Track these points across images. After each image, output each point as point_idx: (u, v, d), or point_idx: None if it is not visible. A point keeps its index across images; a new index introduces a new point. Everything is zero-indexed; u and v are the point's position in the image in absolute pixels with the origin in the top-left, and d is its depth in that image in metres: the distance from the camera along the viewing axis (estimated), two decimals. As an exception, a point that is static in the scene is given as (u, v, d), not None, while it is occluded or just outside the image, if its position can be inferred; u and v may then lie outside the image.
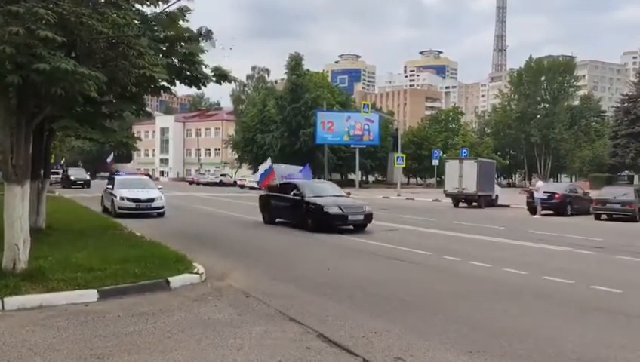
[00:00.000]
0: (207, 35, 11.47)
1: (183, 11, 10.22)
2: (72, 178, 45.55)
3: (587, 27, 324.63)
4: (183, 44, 10.68)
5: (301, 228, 15.81)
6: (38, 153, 12.10)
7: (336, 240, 13.82)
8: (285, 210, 17.38)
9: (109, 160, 56.48)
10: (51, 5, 6.59)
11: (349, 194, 20.12)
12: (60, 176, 45.73)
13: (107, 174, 41.60)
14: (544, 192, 24.71)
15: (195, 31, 11.36)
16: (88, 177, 48.22)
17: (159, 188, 21.68)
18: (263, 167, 20.26)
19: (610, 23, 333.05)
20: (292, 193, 16.90)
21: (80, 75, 6.71)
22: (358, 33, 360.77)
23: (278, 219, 17.74)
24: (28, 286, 6.83)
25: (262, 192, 19.66)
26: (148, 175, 45.45)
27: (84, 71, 6.72)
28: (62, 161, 52.83)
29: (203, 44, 11.53)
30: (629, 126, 64.05)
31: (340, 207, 15.68)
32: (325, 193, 16.92)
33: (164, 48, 10.58)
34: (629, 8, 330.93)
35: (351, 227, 15.84)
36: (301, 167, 21.36)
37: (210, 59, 11.63)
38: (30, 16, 6.36)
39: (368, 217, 16.10)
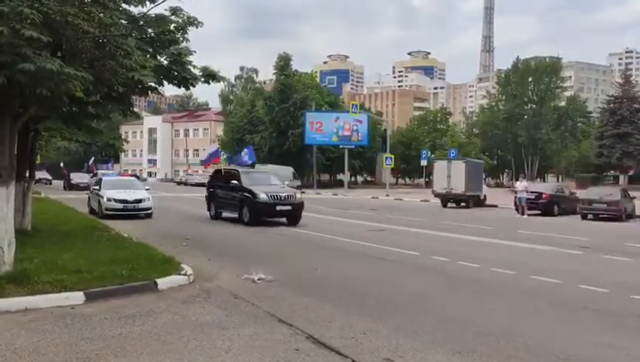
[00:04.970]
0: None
1: (175, 12, 10.16)
2: None
3: (573, 28, 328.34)
4: (170, 38, 10.58)
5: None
6: (23, 154, 11.98)
7: (324, 240, 13.80)
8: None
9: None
10: (36, 4, 6.50)
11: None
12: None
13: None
14: (531, 192, 24.90)
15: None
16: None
17: (147, 189, 21.53)
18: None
19: (596, 23, 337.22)
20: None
21: (66, 75, 6.63)
22: (347, 33, 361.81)
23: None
24: (13, 288, 6.73)
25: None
26: (135, 176, 45.02)
27: (69, 71, 6.63)
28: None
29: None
30: (614, 127, 64.76)
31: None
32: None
33: (150, 50, 10.50)
34: (613, 10, 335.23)
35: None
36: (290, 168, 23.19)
37: (198, 59, 11.61)
38: (15, 16, 6.27)
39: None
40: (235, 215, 17.85)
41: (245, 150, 25.59)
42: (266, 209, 16.94)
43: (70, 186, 41.43)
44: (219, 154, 21.91)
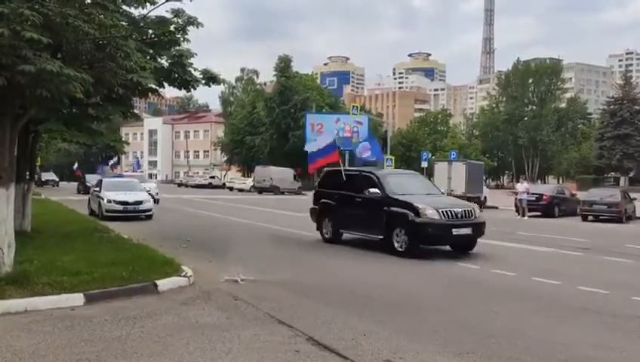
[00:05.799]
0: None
1: (177, 13, 10.18)
2: None
3: (574, 29, 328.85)
4: (171, 39, 10.60)
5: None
6: (23, 155, 11.99)
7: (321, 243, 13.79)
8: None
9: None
10: (37, 6, 6.50)
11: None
12: None
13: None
14: (532, 194, 24.92)
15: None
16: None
17: (148, 191, 21.52)
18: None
19: (596, 25, 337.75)
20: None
21: (66, 77, 6.63)
22: (348, 34, 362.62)
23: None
24: (13, 290, 6.72)
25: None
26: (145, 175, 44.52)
27: (69, 72, 6.63)
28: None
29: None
30: (614, 128, 64.89)
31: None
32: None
33: (151, 51, 10.52)
34: (613, 11, 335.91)
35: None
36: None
37: (199, 60, 11.64)
38: (15, 17, 6.28)
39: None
40: (370, 237, 12.56)
41: (365, 143, 17.43)
42: (437, 233, 11.33)
43: (85, 189, 37.25)
44: (335, 148, 14.66)
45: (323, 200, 14.05)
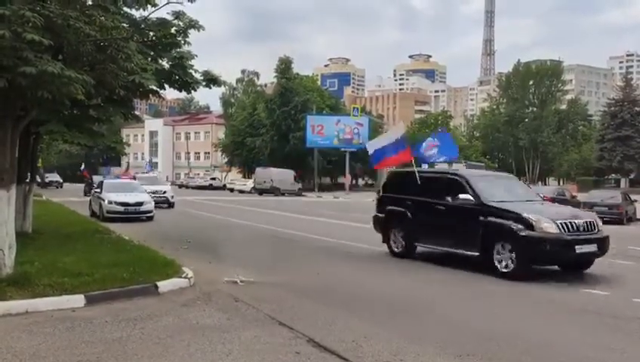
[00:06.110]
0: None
1: (178, 16, 10.20)
2: None
3: (574, 30, 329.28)
4: (172, 41, 10.62)
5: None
6: (24, 157, 12.00)
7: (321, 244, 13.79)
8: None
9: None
10: (38, 8, 6.52)
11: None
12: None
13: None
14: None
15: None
16: None
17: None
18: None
19: (596, 25, 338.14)
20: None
21: (67, 78, 6.65)
22: (348, 35, 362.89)
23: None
24: (13, 291, 6.73)
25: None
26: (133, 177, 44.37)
27: (70, 74, 6.65)
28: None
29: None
30: (615, 130, 64.90)
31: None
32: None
33: (152, 53, 10.54)
34: (614, 12, 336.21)
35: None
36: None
37: (200, 62, 11.66)
38: (16, 19, 6.29)
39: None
40: (461, 253, 10.24)
41: (429, 139, 14.53)
42: (556, 250, 9.14)
43: (92, 191, 37.09)
44: (404, 146, 12.19)
45: (390, 207, 11.96)
